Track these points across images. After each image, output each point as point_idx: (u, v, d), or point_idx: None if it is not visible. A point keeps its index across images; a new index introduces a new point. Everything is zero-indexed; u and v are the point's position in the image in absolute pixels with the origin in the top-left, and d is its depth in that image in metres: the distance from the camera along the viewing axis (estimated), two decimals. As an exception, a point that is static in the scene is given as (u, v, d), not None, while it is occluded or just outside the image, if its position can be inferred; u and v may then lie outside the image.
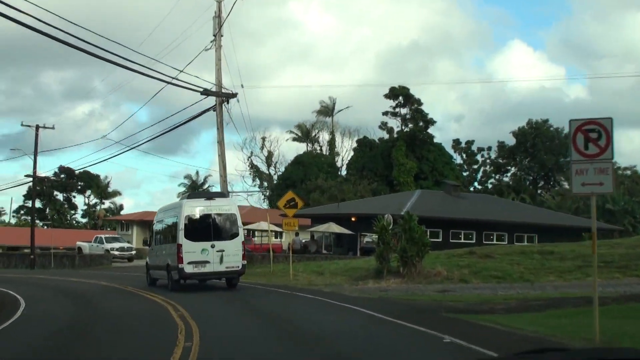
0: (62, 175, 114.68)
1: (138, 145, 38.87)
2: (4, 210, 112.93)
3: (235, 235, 24.88)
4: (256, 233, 60.38)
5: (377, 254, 28.42)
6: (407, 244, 26.83)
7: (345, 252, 45.32)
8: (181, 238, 23.99)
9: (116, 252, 55.47)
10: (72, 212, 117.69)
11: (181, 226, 24.09)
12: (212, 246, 24.25)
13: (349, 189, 76.19)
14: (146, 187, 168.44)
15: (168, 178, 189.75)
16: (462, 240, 46.16)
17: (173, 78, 29.20)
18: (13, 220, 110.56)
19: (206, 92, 31.04)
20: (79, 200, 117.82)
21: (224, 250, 24.28)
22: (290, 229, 30.49)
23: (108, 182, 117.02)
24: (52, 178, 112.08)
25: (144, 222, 69.40)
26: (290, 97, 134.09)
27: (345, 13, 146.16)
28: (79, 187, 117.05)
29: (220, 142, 32.16)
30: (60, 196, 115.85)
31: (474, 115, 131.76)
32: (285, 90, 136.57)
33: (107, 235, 59.88)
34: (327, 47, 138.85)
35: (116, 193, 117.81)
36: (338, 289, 25.16)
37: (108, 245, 55.95)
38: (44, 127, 54.55)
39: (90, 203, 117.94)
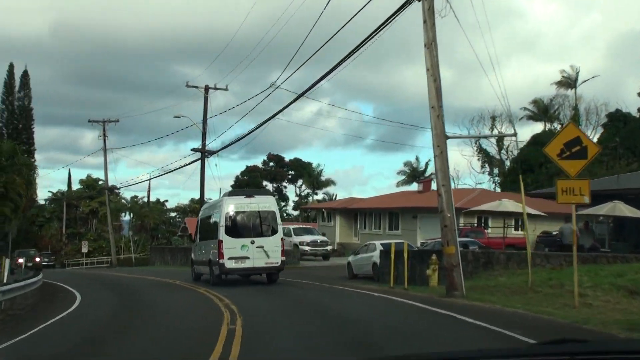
0: (271, 164, 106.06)
1: (307, 91, 25.83)
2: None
3: (275, 231, 25.46)
4: (489, 222, 45.12)
5: None
6: None
7: (633, 248, 28.91)
8: (222, 234, 24.74)
9: (306, 248, 42.78)
10: (283, 203, 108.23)
11: (222, 223, 24.85)
12: (252, 242, 24.85)
13: (600, 170, 58.86)
14: (372, 183, 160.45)
15: (393, 173, 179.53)
16: None
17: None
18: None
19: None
20: (291, 190, 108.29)
21: (263, 247, 24.91)
22: (574, 202, 14.96)
23: (320, 170, 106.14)
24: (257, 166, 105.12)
25: (348, 210, 56.38)
26: (518, 87, 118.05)
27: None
28: (290, 177, 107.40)
29: (430, 45, 17.46)
30: (270, 186, 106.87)
31: None
32: (513, 78, 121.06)
33: (296, 226, 47.33)
34: (554, 36, 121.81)
35: (329, 182, 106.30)
36: None
37: (297, 239, 43.40)
38: (215, 88, 43.02)
39: (302, 194, 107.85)
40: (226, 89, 42.96)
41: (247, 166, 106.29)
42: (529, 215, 43.08)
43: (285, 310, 16.74)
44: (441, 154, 17.70)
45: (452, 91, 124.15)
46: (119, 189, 65.32)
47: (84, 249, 71.23)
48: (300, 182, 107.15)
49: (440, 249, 24.80)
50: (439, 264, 20.83)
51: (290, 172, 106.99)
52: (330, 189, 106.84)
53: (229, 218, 25.08)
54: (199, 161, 42.32)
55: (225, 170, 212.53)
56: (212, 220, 27.15)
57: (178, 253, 51.64)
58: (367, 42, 19.36)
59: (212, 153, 41.72)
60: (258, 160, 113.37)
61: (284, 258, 25.96)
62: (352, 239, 56.43)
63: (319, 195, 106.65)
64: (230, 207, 25.25)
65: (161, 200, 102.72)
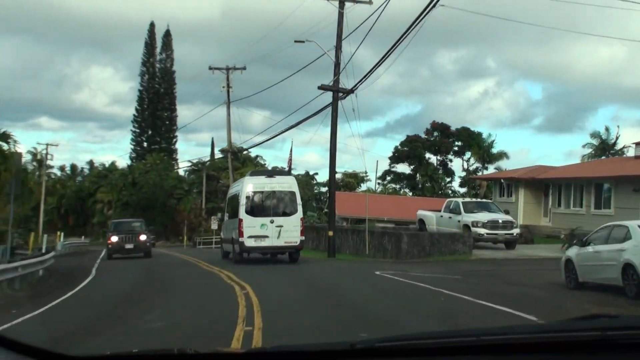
0: (435, 133, 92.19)
1: None
2: (367, 176, 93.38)
3: (294, 211, 25.83)
4: None
5: None
6: None
7: None
8: (242, 213, 25.42)
9: (482, 231, 29.35)
10: (447, 179, 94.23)
11: (242, 202, 25.52)
12: (272, 221, 25.33)
13: None
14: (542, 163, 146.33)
15: (562, 155, 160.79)
16: None
17: None
18: (379, 189, 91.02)
19: None
20: (457, 165, 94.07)
21: (282, 226, 25.34)
22: None
23: (492, 141, 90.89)
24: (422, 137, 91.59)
25: (536, 182, 42.11)
26: None
27: None
28: (456, 148, 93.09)
29: None
30: (433, 159, 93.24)
31: None
32: None
33: (467, 200, 33.65)
34: None
35: (502, 155, 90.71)
36: None
37: (468, 218, 30.05)
38: (354, 1, 30.25)
39: (470, 168, 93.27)
40: (369, 2, 30.02)
41: (407, 136, 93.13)
42: None
43: None
44: None
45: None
46: (243, 150, 53.93)
47: (214, 226, 61.46)
48: (468, 154, 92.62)
49: None
50: None
51: (456, 144, 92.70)
52: (502, 164, 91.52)
53: (249, 197, 25.63)
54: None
55: (387, 151, 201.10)
56: (235, 199, 27.38)
57: (309, 232, 39.84)
58: None
59: (347, 92, 29.11)
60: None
61: (303, 237, 26.44)
62: (541, 220, 42.27)
63: (489, 170, 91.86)
64: (250, 186, 25.79)
65: (310, 173, 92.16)
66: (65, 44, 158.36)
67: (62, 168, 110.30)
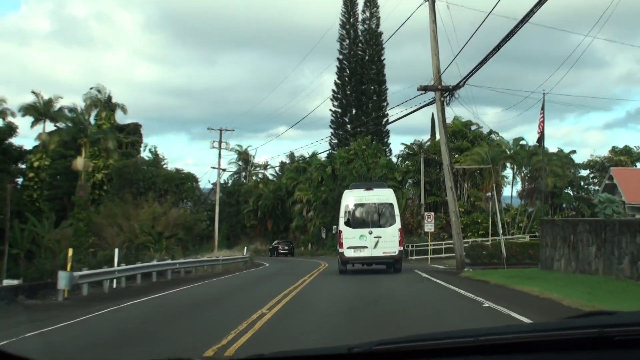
0: None
1: None
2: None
3: (392, 222, 26.88)
4: None
5: None
6: None
7: None
8: (342, 225, 27.25)
9: None
10: None
11: (342, 214, 27.41)
12: (370, 232, 26.60)
13: None
14: None
15: None
16: None
17: None
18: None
19: None
20: None
21: (380, 237, 26.51)
22: None
23: None
24: None
25: None
26: None
27: None
28: None
29: None
30: None
31: None
32: None
33: None
34: None
35: None
36: None
37: None
38: None
39: None
40: None
41: None
42: None
43: None
44: None
45: None
46: (456, 88, 31.58)
47: (428, 227, 40.95)
48: None
49: None
50: None
51: None
52: None
53: (349, 210, 27.27)
54: None
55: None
56: (339, 212, 28.54)
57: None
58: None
59: None
60: None
61: (402, 248, 27.87)
62: None
63: None
64: (350, 199, 27.46)
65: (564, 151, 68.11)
66: (297, 55, 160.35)
67: (265, 166, 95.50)
